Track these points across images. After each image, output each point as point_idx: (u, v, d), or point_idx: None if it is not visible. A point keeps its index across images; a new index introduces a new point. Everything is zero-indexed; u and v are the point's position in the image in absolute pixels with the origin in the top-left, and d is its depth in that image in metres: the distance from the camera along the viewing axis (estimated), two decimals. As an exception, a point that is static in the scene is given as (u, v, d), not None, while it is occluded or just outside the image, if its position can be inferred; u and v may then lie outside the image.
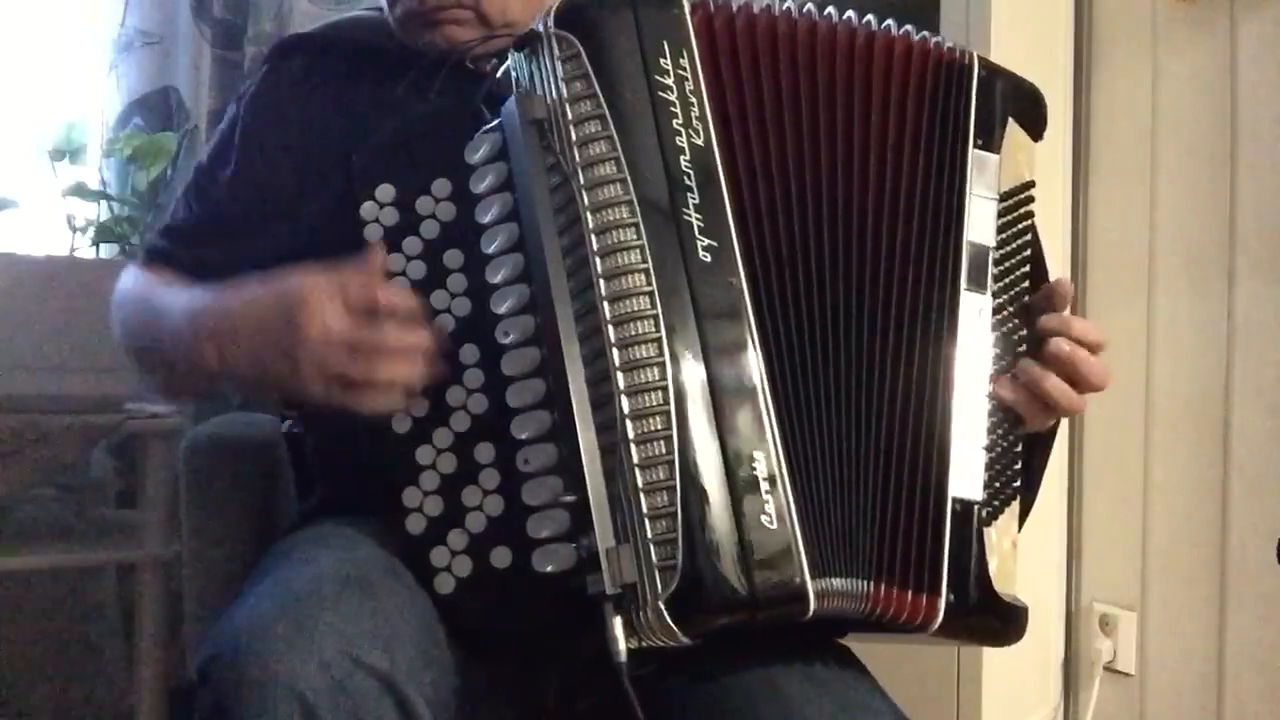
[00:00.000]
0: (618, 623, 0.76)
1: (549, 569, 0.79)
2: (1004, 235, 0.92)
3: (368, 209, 0.88)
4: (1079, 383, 0.90)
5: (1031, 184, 0.95)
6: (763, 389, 0.80)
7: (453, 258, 0.87)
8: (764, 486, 0.78)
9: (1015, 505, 0.89)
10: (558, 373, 0.80)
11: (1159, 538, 1.70)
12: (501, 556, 0.82)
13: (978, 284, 0.89)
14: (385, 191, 0.89)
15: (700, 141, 0.83)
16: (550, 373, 0.81)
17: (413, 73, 1.07)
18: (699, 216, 0.81)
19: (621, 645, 0.75)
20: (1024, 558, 1.78)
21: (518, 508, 0.81)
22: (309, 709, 0.71)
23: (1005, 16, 1.64)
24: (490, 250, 0.85)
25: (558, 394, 0.80)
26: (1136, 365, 1.72)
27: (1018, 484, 0.90)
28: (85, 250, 1.92)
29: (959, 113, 0.91)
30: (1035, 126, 0.96)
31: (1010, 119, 0.93)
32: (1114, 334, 1.76)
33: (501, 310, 0.84)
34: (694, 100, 0.83)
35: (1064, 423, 1.80)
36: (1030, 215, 0.94)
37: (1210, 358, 1.62)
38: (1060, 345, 0.89)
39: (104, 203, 1.96)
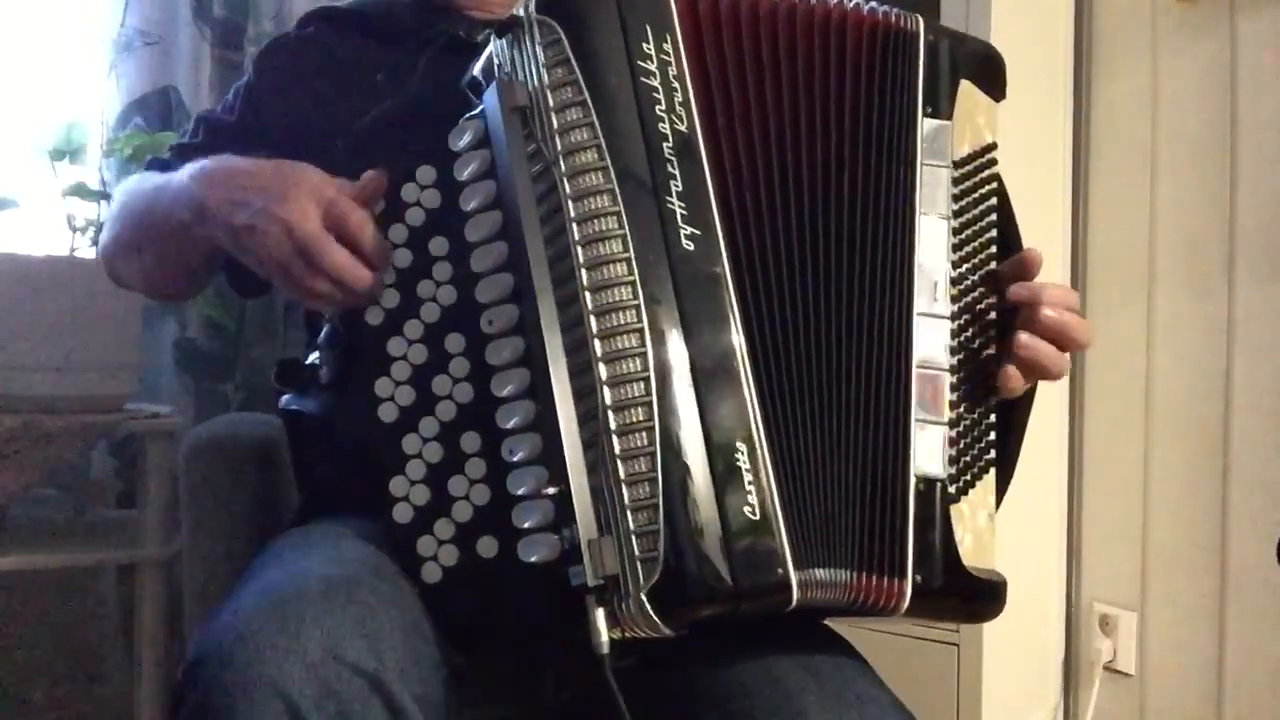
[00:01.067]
0: (600, 614, 0.75)
1: (534, 559, 0.79)
2: (964, 203, 0.90)
3: None
4: (1067, 345, 0.90)
5: (993, 146, 0.92)
6: (746, 380, 0.80)
7: (438, 245, 0.86)
8: (747, 477, 0.78)
9: (990, 477, 0.88)
10: (540, 363, 0.80)
11: (1159, 538, 1.70)
12: (488, 546, 0.82)
13: (934, 255, 0.87)
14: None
15: (684, 128, 0.82)
16: (534, 362, 0.81)
17: (408, 46, 1.07)
18: (682, 205, 0.81)
19: (604, 637, 0.75)
20: (1024, 558, 1.79)
21: (504, 497, 0.81)
22: (295, 709, 0.71)
23: (1005, 16, 1.64)
24: (474, 239, 0.85)
25: (540, 384, 0.80)
26: (1136, 365, 1.72)
27: (991, 455, 0.88)
28: (85, 250, 1.91)
29: (906, 81, 0.88)
30: (994, 86, 0.93)
31: (964, 81, 0.91)
32: (1114, 334, 1.76)
33: (485, 299, 0.84)
34: (677, 85, 0.82)
35: (1064, 421, 1.81)
36: (994, 179, 0.92)
37: (1210, 358, 1.62)
38: (1048, 314, 0.88)
39: (104, 203, 1.95)
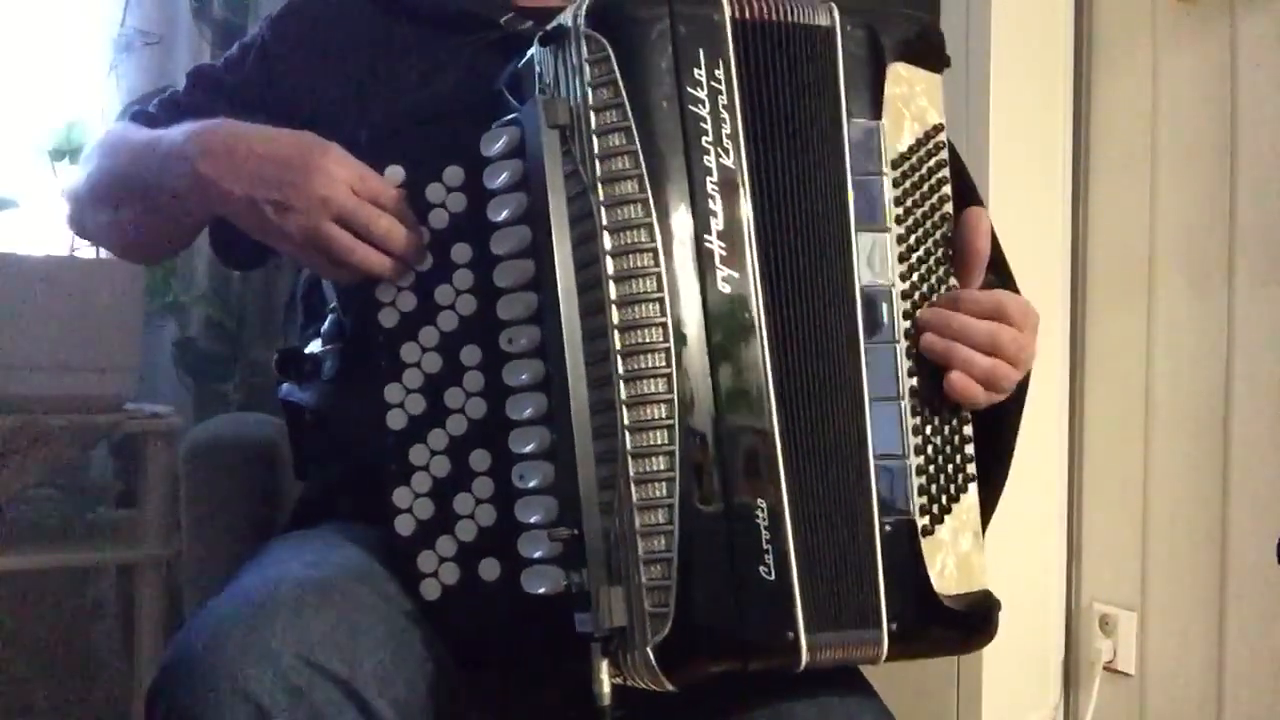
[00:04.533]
0: (604, 665, 0.73)
1: (540, 591, 0.77)
2: (910, 202, 0.84)
3: None
4: (997, 353, 0.84)
5: (940, 127, 0.86)
6: (773, 435, 0.77)
7: (460, 252, 0.84)
8: (765, 536, 0.75)
9: (972, 495, 0.84)
10: (560, 394, 0.77)
11: (1159, 538, 1.70)
12: (490, 569, 0.80)
13: (878, 274, 0.82)
14: (394, 173, 0.85)
15: (729, 162, 0.78)
16: (552, 390, 0.78)
17: (446, 33, 1.02)
18: (721, 245, 0.77)
19: (606, 688, 0.73)
20: (1024, 557, 1.78)
21: (510, 521, 0.80)
22: (264, 715, 0.70)
23: (1005, 16, 1.64)
24: (500, 252, 0.81)
25: (558, 415, 0.77)
26: (1136, 365, 1.72)
27: (970, 471, 0.84)
28: (85, 250, 1.91)
29: (824, 85, 0.82)
30: (931, 59, 0.87)
31: (897, 63, 0.84)
32: (1114, 334, 1.76)
33: (507, 316, 0.81)
34: (726, 117, 0.78)
35: (1064, 421, 1.81)
36: (944, 164, 0.86)
37: (1210, 358, 1.62)
38: (959, 320, 0.83)
39: (104, 203, 1.95)
